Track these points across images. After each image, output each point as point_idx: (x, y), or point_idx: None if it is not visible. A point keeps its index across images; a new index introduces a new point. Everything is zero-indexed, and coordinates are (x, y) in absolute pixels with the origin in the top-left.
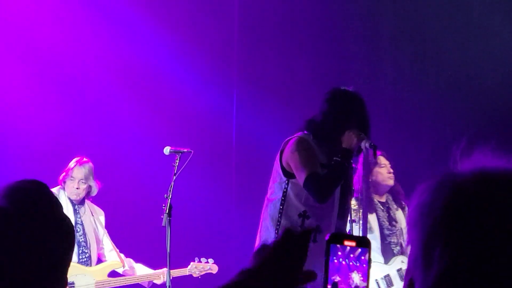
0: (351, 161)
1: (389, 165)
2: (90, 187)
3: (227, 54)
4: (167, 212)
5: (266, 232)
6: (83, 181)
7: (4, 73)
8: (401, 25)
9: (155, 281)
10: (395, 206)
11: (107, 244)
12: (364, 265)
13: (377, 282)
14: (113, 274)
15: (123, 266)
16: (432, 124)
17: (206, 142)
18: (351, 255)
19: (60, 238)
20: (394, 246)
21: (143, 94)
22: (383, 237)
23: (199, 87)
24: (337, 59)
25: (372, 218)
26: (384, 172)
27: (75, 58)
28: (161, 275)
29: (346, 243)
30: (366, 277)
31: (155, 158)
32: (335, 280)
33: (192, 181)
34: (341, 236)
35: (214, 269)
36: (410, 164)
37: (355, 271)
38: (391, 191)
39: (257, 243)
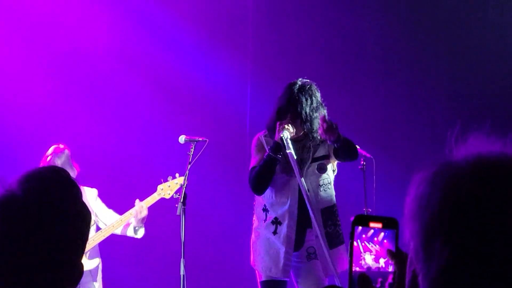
0: (280, 152)
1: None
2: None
3: (242, 44)
4: (181, 201)
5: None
6: (71, 169)
7: None
8: (414, 16)
9: (131, 221)
10: None
11: (102, 210)
12: (385, 246)
13: None
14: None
15: (105, 224)
16: (427, 111)
17: (220, 132)
18: (363, 236)
19: (73, 224)
20: None
21: (159, 83)
22: None
23: (214, 76)
24: (351, 49)
25: None
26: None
27: (89, 46)
28: (133, 210)
29: (372, 224)
30: (385, 258)
31: (170, 147)
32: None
33: (206, 170)
34: (366, 217)
35: (180, 180)
36: (406, 154)
37: (368, 253)
38: None
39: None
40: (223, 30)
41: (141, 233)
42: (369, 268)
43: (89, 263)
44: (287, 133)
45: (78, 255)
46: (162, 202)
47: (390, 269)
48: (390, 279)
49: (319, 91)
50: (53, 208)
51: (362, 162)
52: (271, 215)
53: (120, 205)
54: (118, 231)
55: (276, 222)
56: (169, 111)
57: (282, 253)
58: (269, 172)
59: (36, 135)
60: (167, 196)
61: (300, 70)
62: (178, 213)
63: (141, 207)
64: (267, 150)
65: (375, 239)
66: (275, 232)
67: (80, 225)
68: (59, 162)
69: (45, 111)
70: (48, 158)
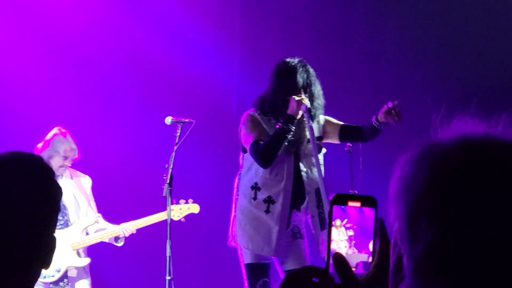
0: (293, 125)
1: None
2: (62, 161)
3: (229, 24)
4: (168, 182)
5: (232, 208)
6: (55, 157)
7: None
8: None
9: (122, 234)
10: None
11: (92, 210)
12: (351, 232)
13: None
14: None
15: (97, 222)
16: (415, 93)
17: (207, 112)
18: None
19: (43, 200)
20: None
21: (144, 63)
22: None
23: (201, 56)
24: (339, 26)
25: None
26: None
27: (76, 30)
28: (128, 226)
29: (351, 203)
30: (349, 244)
31: (157, 128)
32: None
33: (193, 151)
34: (345, 196)
35: (195, 208)
36: (393, 135)
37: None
38: None
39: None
40: (210, 10)
41: (121, 243)
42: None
43: (82, 260)
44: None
45: (48, 232)
46: (147, 183)
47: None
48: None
49: None
50: (21, 184)
51: (349, 144)
52: (263, 194)
53: (107, 190)
54: (105, 239)
55: (269, 200)
56: (155, 92)
57: (275, 232)
58: (281, 144)
59: (27, 120)
60: (175, 218)
61: (287, 50)
62: (164, 194)
63: (131, 229)
64: (265, 126)
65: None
66: (267, 211)
67: (48, 202)
68: (55, 146)
69: (32, 95)
70: (46, 139)
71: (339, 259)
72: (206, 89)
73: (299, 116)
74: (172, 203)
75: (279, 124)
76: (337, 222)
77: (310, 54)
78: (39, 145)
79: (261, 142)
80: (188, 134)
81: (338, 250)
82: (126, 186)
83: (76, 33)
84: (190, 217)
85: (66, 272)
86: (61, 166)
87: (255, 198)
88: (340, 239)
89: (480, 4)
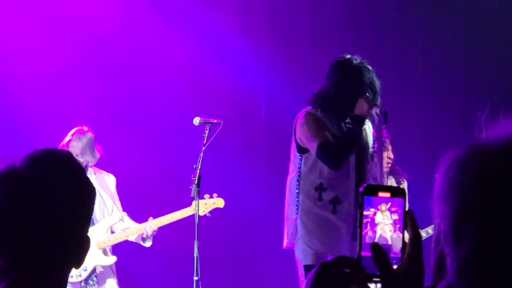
0: (362, 127)
1: (390, 151)
2: (86, 161)
3: (258, 25)
4: (196, 183)
5: (288, 210)
6: (78, 156)
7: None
8: None
9: (145, 235)
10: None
11: (117, 209)
12: (396, 216)
13: None
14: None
15: (122, 220)
16: (459, 90)
17: (235, 114)
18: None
19: (79, 200)
20: None
21: (173, 64)
22: None
23: (230, 57)
24: (368, 28)
25: None
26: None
27: (106, 29)
28: (146, 224)
29: (381, 194)
30: (394, 228)
31: (185, 129)
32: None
33: (221, 152)
34: (375, 187)
35: (220, 203)
36: (437, 132)
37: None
38: (390, 170)
39: (284, 220)
40: (239, 11)
41: (148, 243)
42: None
43: (108, 259)
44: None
45: (82, 232)
46: (175, 184)
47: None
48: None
49: None
50: (56, 182)
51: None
52: (329, 195)
53: (133, 189)
54: (132, 239)
55: (335, 201)
56: (184, 93)
57: (344, 233)
58: (353, 146)
59: (50, 118)
60: (201, 213)
61: (316, 51)
62: (192, 195)
63: (152, 227)
64: (328, 125)
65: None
66: (334, 212)
67: (83, 201)
68: (77, 145)
69: (60, 93)
70: (67, 139)
71: (377, 249)
72: (235, 90)
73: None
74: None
75: (348, 125)
76: (383, 206)
77: (339, 54)
78: (62, 145)
79: (330, 143)
80: (216, 135)
81: (383, 234)
82: (153, 187)
83: (106, 33)
84: (217, 217)
85: (93, 270)
86: (89, 160)
87: (320, 199)
88: (385, 223)
89: None
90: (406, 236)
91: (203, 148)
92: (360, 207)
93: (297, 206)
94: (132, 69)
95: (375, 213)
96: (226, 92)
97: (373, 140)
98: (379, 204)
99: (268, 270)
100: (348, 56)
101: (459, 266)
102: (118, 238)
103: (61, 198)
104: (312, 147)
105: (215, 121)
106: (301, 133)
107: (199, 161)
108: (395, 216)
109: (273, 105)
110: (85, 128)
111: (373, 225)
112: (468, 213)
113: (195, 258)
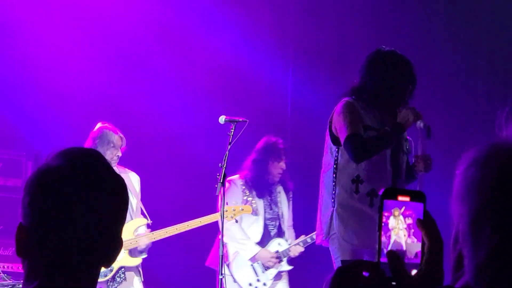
0: (399, 135)
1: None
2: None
3: (283, 24)
4: (221, 181)
5: (324, 204)
6: (120, 145)
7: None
8: None
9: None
10: (277, 189)
11: (139, 210)
12: (410, 221)
13: (252, 266)
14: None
15: (149, 221)
16: (480, 90)
17: (261, 112)
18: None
19: (115, 197)
20: (272, 228)
21: (200, 62)
22: (264, 220)
23: (256, 57)
24: (393, 27)
25: (260, 202)
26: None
27: (132, 27)
28: (187, 225)
29: (400, 198)
30: (409, 233)
31: (210, 127)
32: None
33: (247, 151)
34: (394, 191)
35: (248, 209)
36: (457, 131)
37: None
38: None
39: (318, 215)
40: (266, 10)
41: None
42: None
43: (134, 260)
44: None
45: (116, 232)
46: (201, 182)
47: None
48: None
49: None
50: (96, 178)
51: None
52: (366, 187)
53: (159, 188)
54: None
55: (372, 193)
56: (210, 92)
57: None
58: (382, 149)
59: (76, 116)
60: (228, 219)
61: (341, 49)
62: (217, 193)
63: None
64: (365, 118)
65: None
66: (371, 204)
67: (118, 200)
68: (121, 141)
69: (88, 91)
70: (109, 133)
71: (393, 254)
72: (260, 89)
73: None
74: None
75: (387, 128)
76: (396, 211)
77: (363, 55)
78: (87, 142)
79: (359, 137)
80: (242, 134)
81: (397, 239)
82: (179, 185)
83: (133, 31)
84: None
85: (119, 269)
86: (112, 158)
87: (357, 192)
88: (399, 228)
89: None
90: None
91: (229, 147)
92: (379, 210)
93: (333, 198)
94: (158, 68)
95: (388, 217)
96: (252, 91)
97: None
98: (392, 209)
99: (297, 268)
100: (387, 48)
101: (477, 266)
102: (145, 240)
103: (97, 197)
104: (342, 136)
105: (240, 119)
106: (336, 122)
107: (224, 159)
108: (409, 221)
109: (299, 103)
110: (100, 125)
111: (387, 230)
112: (486, 213)
113: (220, 256)
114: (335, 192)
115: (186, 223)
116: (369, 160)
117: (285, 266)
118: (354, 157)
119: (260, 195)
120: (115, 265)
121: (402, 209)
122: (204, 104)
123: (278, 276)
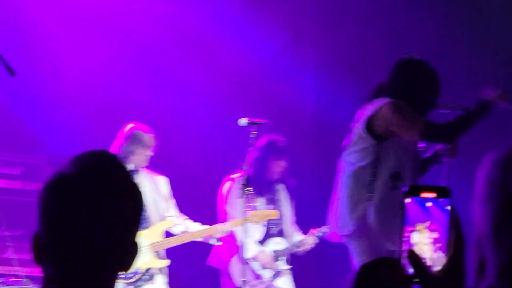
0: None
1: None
2: (137, 161)
3: (306, 26)
4: (244, 183)
5: (354, 197)
6: (152, 145)
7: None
8: None
9: (213, 235)
10: (278, 187)
11: (173, 211)
12: (436, 235)
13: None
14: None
15: (175, 224)
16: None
17: (283, 114)
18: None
19: (129, 202)
20: (272, 227)
21: (220, 64)
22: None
23: (277, 58)
24: (411, 27)
25: (260, 200)
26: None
27: (152, 27)
28: (218, 228)
29: (424, 194)
30: (441, 229)
31: (232, 129)
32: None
33: None
34: (418, 187)
35: (274, 214)
36: (479, 134)
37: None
38: None
39: (344, 207)
40: (288, 13)
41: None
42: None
43: (161, 262)
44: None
45: (132, 237)
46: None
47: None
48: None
49: None
50: (107, 184)
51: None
52: (405, 183)
53: (180, 190)
54: (176, 230)
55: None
56: (231, 94)
57: None
58: (467, 129)
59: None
60: (255, 223)
61: (364, 53)
62: (240, 196)
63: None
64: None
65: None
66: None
67: (133, 204)
68: (153, 141)
69: (110, 93)
70: (141, 133)
71: (412, 253)
72: (282, 91)
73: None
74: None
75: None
76: (419, 226)
77: (386, 56)
78: (115, 143)
79: (434, 123)
80: (264, 135)
81: (421, 255)
82: (201, 187)
83: (153, 33)
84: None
85: (146, 271)
86: (142, 158)
87: (395, 188)
88: (424, 243)
89: None
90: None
91: (251, 149)
92: (402, 208)
93: (370, 193)
94: (178, 70)
95: (411, 231)
96: (273, 93)
97: None
98: (416, 224)
99: (318, 269)
100: (419, 57)
101: (500, 269)
102: (172, 242)
103: (109, 203)
104: (413, 131)
105: (261, 121)
106: (393, 123)
107: (246, 161)
108: (435, 235)
109: (320, 105)
110: (130, 126)
111: (409, 245)
112: (509, 215)
113: (234, 261)
114: (371, 188)
115: (208, 229)
116: (407, 156)
117: (283, 265)
118: (443, 139)
119: (259, 193)
120: (142, 267)
121: (427, 223)
122: (226, 106)
123: (277, 274)
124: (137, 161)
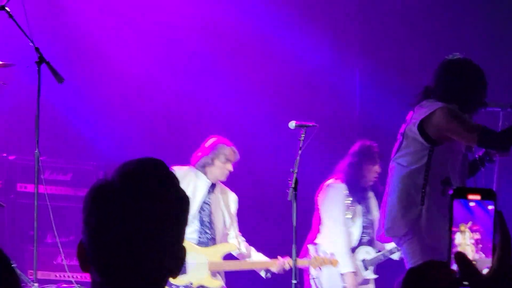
0: None
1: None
2: (213, 175)
3: (349, 28)
4: (293, 186)
5: (407, 199)
6: (232, 160)
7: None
8: None
9: (272, 269)
10: (369, 194)
11: (234, 230)
12: (477, 236)
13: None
14: (230, 258)
15: (238, 249)
16: None
17: (330, 117)
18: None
19: (172, 208)
20: (364, 235)
21: (269, 69)
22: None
23: (324, 61)
24: (456, 31)
25: (358, 208)
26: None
27: (202, 32)
28: (279, 263)
29: (470, 196)
30: (483, 230)
31: (281, 132)
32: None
33: (317, 155)
34: (464, 189)
35: (335, 263)
36: None
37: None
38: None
39: (395, 209)
40: (331, 15)
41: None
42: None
43: (215, 282)
44: None
45: (178, 242)
46: (272, 187)
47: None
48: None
49: None
50: (149, 193)
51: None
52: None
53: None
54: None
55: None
56: (279, 97)
57: None
58: None
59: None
60: (315, 267)
61: (408, 53)
62: (289, 198)
63: (282, 267)
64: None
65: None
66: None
67: (176, 212)
68: (236, 157)
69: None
70: (224, 147)
71: (462, 254)
72: (329, 93)
73: None
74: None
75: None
76: (462, 226)
77: (430, 58)
78: (196, 153)
79: (492, 130)
80: (312, 138)
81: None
82: (250, 190)
83: (202, 39)
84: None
85: (198, 286)
86: (223, 172)
87: (443, 193)
88: (466, 243)
89: None
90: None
91: (300, 152)
92: (450, 211)
93: (422, 197)
94: (228, 76)
95: (454, 233)
96: (321, 95)
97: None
98: (459, 224)
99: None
100: (462, 56)
101: None
102: (231, 266)
103: (154, 210)
104: (470, 138)
105: (310, 124)
106: (448, 128)
107: (295, 164)
108: (477, 236)
109: (367, 107)
110: (214, 139)
111: (453, 246)
112: None
113: (293, 261)
114: (424, 191)
115: (270, 262)
116: (457, 161)
117: (370, 275)
118: (499, 147)
119: (358, 200)
120: (195, 282)
121: (469, 224)
122: (274, 109)
123: (365, 281)
124: (214, 174)
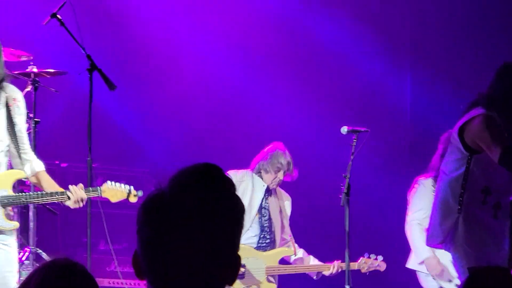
0: None
1: None
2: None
3: (401, 33)
4: (345, 191)
5: (446, 208)
6: (284, 170)
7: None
8: None
9: (324, 272)
10: None
11: (287, 232)
12: None
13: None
14: (284, 262)
15: (295, 254)
16: None
17: (382, 122)
18: None
19: (228, 223)
20: None
21: (321, 74)
22: None
23: (375, 68)
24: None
25: None
26: None
27: (257, 39)
28: (331, 266)
29: None
30: None
31: (333, 138)
32: None
33: (369, 160)
34: None
35: (383, 266)
36: None
37: None
38: None
39: (434, 217)
40: (381, 20)
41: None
42: None
43: (269, 286)
44: None
45: (234, 251)
46: (325, 192)
47: None
48: None
49: None
50: (202, 205)
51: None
52: (494, 199)
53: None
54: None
55: (497, 206)
56: (331, 102)
57: (507, 242)
58: None
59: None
60: (363, 271)
61: (459, 58)
62: (342, 204)
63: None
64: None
65: None
66: (495, 216)
67: (231, 222)
68: (289, 166)
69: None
70: (281, 156)
71: None
72: (380, 98)
73: None
74: (363, 256)
75: None
76: None
77: (482, 64)
78: (258, 156)
79: None
80: (364, 144)
81: None
82: (302, 195)
83: (253, 45)
84: (366, 224)
85: None
86: (274, 179)
87: (484, 203)
88: None
89: None
90: None
91: (352, 157)
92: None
93: (460, 205)
94: (279, 81)
95: None
96: (372, 101)
97: None
98: None
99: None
100: None
101: None
102: (287, 270)
103: (208, 222)
104: (495, 153)
105: (362, 129)
106: (479, 137)
107: (348, 169)
108: None
109: (419, 112)
110: (274, 145)
111: None
112: None
113: (347, 266)
114: (462, 199)
115: (323, 265)
116: (498, 171)
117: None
118: None
119: None
120: (251, 285)
121: None
122: (326, 115)
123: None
124: (268, 180)
